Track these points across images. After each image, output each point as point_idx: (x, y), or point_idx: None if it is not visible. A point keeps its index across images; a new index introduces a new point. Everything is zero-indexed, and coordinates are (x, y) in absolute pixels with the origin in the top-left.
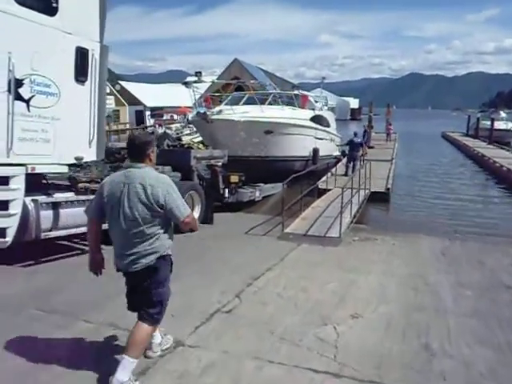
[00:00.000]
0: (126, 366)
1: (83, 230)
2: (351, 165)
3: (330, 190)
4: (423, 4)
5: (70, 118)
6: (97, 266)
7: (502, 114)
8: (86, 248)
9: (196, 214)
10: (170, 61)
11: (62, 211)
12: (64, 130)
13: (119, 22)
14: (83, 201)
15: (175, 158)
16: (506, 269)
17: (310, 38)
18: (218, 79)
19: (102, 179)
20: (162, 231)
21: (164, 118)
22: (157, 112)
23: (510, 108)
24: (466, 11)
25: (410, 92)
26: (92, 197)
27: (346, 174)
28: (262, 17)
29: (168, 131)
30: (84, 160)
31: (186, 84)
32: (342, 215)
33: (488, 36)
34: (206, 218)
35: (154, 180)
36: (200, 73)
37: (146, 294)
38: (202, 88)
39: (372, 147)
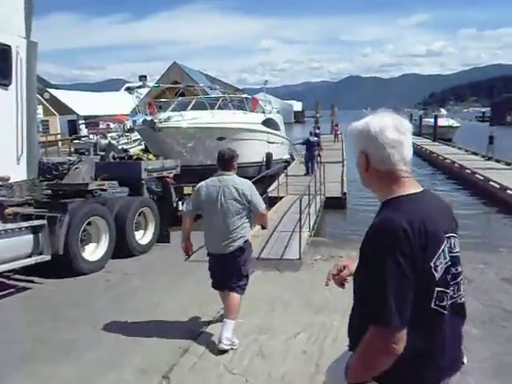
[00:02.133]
0: (229, 327)
1: (13, 265)
2: (310, 164)
3: (282, 197)
4: (358, 9)
5: None
6: (188, 251)
7: (443, 111)
8: (22, 284)
9: (150, 232)
10: (110, 69)
11: None
12: None
13: (55, 29)
14: (12, 230)
15: (123, 171)
16: (498, 287)
17: (251, 44)
18: (154, 87)
19: (37, 201)
20: (246, 221)
21: (100, 127)
22: (91, 121)
23: (443, 107)
24: (397, 16)
25: (349, 94)
26: (24, 224)
27: (307, 174)
28: (203, 24)
29: (112, 141)
30: (12, 180)
31: (129, 89)
32: (301, 230)
33: (419, 39)
34: (162, 236)
35: (241, 182)
36: (145, 77)
37: (237, 269)
38: (143, 94)
39: (321, 149)
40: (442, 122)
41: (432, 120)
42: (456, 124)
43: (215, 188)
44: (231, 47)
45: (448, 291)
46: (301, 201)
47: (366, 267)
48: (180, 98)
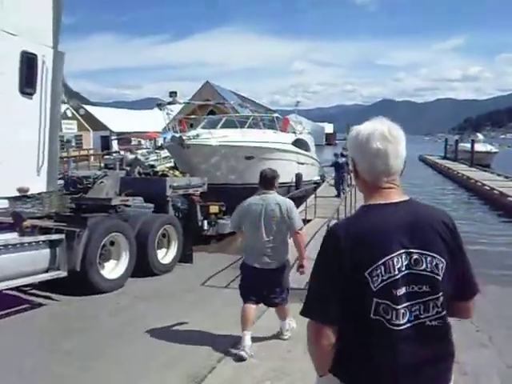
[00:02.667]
0: (286, 323)
1: (29, 280)
2: (340, 186)
3: (309, 220)
4: (394, 33)
5: (13, 139)
6: None
7: (480, 136)
8: (38, 300)
9: (173, 251)
10: (146, 88)
11: None
12: (3, 154)
13: (94, 50)
14: (29, 243)
15: (148, 187)
16: None
17: (285, 66)
18: (187, 105)
19: (58, 214)
20: (286, 239)
21: (132, 143)
22: (123, 137)
23: (479, 132)
24: (432, 40)
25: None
26: (41, 237)
27: (338, 195)
28: (237, 45)
29: (139, 157)
30: (31, 192)
31: (160, 106)
32: None
33: (455, 63)
34: (185, 256)
35: (283, 201)
36: (175, 93)
37: (279, 284)
38: (174, 111)
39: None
40: (479, 147)
41: (468, 145)
42: (494, 150)
43: (258, 206)
44: (264, 69)
45: (396, 306)
46: (328, 226)
47: None
48: (210, 116)
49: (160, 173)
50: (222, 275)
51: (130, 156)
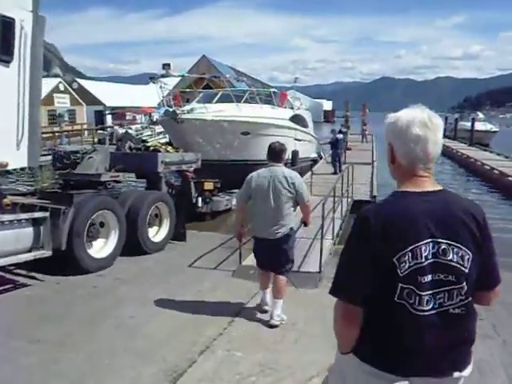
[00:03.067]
0: (279, 305)
1: (11, 260)
2: (337, 162)
3: None
4: (394, 10)
5: None
6: (241, 236)
7: (480, 115)
8: (22, 280)
9: (165, 229)
10: (144, 63)
11: None
12: None
13: (90, 24)
14: (10, 222)
15: (139, 163)
16: None
17: (283, 42)
18: (183, 79)
19: (43, 190)
20: (292, 210)
21: (126, 118)
22: (117, 112)
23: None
24: (434, 17)
25: (381, 96)
26: (23, 215)
27: (335, 173)
28: (235, 21)
29: (131, 131)
30: (10, 167)
31: (153, 79)
32: (322, 239)
33: (456, 41)
34: (178, 234)
35: (290, 173)
36: (168, 65)
37: (284, 253)
38: (171, 85)
39: (349, 149)
40: (478, 126)
41: (469, 124)
42: (494, 129)
43: (266, 178)
44: (263, 45)
45: (420, 293)
46: (323, 205)
47: None
48: (206, 91)
49: (152, 148)
50: (212, 256)
51: (121, 130)
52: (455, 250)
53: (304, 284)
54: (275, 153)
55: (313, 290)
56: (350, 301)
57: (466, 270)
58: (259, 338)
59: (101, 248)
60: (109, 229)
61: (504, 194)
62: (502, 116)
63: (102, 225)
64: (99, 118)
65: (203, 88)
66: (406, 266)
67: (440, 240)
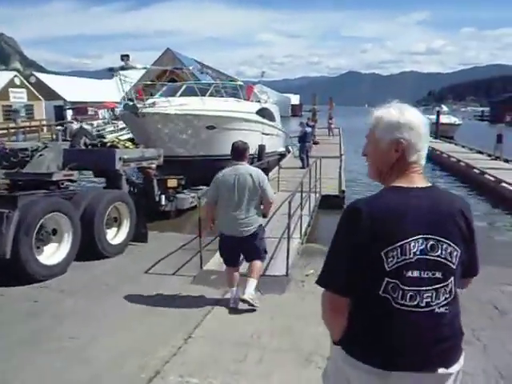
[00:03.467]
0: (252, 284)
1: None
2: (305, 156)
3: None
4: (359, 5)
5: None
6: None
7: (444, 108)
8: None
9: (124, 230)
10: (107, 58)
11: None
12: None
13: (53, 16)
14: None
15: (95, 160)
16: None
17: (251, 37)
18: (147, 72)
19: None
20: (259, 207)
21: (88, 113)
22: (78, 107)
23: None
24: (397, 13)
25: (348, 90)
26: None
27: (303, 167)
28: (201, 15)
29: (86, 126)
30: None
31: (112, 71)
32: (289, 238)
33: (419, 37)
34: (139, 235)
35: (254, 171)
36: (127, 56)
37: (255, 247)
38: (135, 79)
39: (317, 143)
40: (443, 119)
41: (433, 117)
42: (458, 122)
43: (231, 176)
44: (230, 39)
45: (404, 287)
46: (290, 203)
47: None
48: (170, 84)
49: (109, 144)
50: (172, 259)
51: (75, 126)
52: (444, 246)
53: (270, 289)
54: (239, 151)
55: (280, 295)
56: (337, 291)
57: (453, 267)
58: (218, 359)
59: (52, 254)
60: (61, 233)
61: (471, 185)
62: (463, 109)
63: (53, 229)
64: (59, 113)
65: (169, 82)
66: (394, 261)
67: (429, 236)
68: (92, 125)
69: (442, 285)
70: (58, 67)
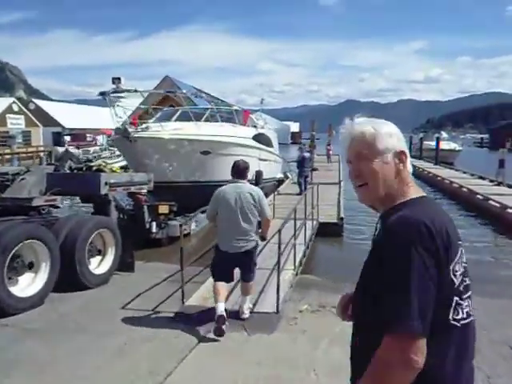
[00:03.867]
0: (247, 300)
1: None
2: (303, 181)
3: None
4: (358, 35)
5: None
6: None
7: (444, 135)
8: None
9: (109, 259)
10: (109, 86)
11: None
12: None
13: (57, 45)
14: None
15: (80, 185)
16: None
17: (251, 66)
18: (147, 98)
19: None
20: (255, 229)
21: (86, 139)
22: (77, 133)
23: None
24: (395, 42)
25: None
26: None
27: (300, 193)
28: (204, 44)
29: (73, 151)
30: None
31: (104, 94)
32: (279, 272)
33: (417, 66)
34: (125, 264)
35: (254, 189)
36: (119, 79)
37: (248, 265)
38: (133, 106)
39: (316, 169)
40: (443, 145)
41: (433, 143)
42: (458, 148)
43: (232, 193)
44: (231, 69)
45: (462, 303)
46: (280, 231)
47: (385, 263)
48: (165, 109)
49: (95, 168)
50: (154, 293)
51: (61, 149)
52: (463, 250)
53: (258, 328)
54: (240, 170)
55: (269, 335)
56: (425, 333)
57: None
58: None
59: (28, 285)
60: (38, 262)
61: (474, 211)
62: (462, 136)
63: (29, 259)
64: (57, 139)
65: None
66: (458, 275)
67: (460, 242)
68: (89, 151)
69: (470, 291)
70: (61, 95)
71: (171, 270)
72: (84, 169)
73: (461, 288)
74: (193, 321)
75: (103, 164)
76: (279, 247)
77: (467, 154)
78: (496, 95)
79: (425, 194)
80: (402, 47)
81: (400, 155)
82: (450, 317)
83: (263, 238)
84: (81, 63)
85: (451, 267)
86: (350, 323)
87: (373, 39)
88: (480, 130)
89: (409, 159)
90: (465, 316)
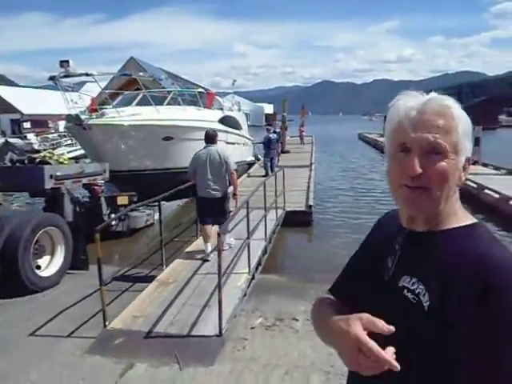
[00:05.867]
0: (209, 246)
1: None
2: (269, 164)
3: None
4: (331, 16)
5: None
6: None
7: None
8: None
9: (59, 259)
10: (82, 71)
11: None
12: None
13: (25, 29)
14: None
15: (22, 179)
16: None
17: (225, 48)
18: (111, 81)
19: None
20: (225, 177)
21: (49, 126)
22: (38, 119)
23: None
24: (368, 23)
25: (322, 99)
26: None
27: (266, 175)
28: (176, 27)
29: (14, 140)
30: None
31: (53, 79)
32: (220, 285)
33: (390, 46)
34: (78, 262)
35: (221, 150)
36: (67, 62)
37: (222, 209)
38: (96, 92)
39: (287, 151)
40: None
41: None
42: None
43: (204, 154)
44: (205, 51)
45: None
46: (219, 235)
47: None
48: (126, 93)
49: (38, 159)
50: (77, 310)
51: (0, 140)
52: None
53: (194, 358)
54: (209, 136)
55: (206, 368)
56: None
57: None
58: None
59: None
60: None
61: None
62: None
63: None
64: (16, 127)
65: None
66: None
67: None
68: (48, 138)
69: None
70: (29, 81)
71: (107, 276)
72: (26, 161)
73: None
74: (114, 350)
75: (48, 155)
76: (219, 253)
77: None
78: (467, 74)
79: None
80: (374, 27)
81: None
82: None
83: (234, 194)
84: (51, 47)
85: None
86: (316, 344)
87: (346, 20)
88: None
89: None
90: None
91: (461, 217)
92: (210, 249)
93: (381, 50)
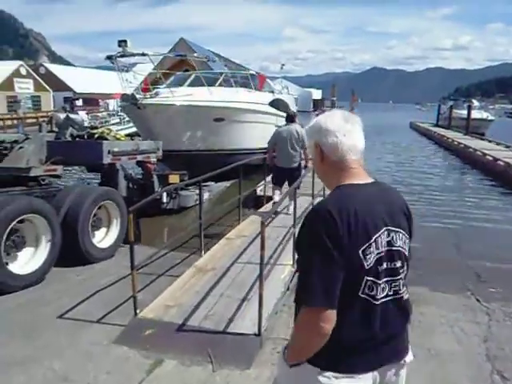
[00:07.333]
0: (277, 196)
1: None
2: None
3: (271, 199)
4: (384, 1)
5: None
6: (272, 160)
7: (475, 103)
8: None
9: (114, 232)
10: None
11: None
12: None
13: (81, 12)
14: None
15: (81, 154)
16: None
17: (274, 32)
18: (161, 62)
19: None
20: (300, 153)
21: (100, 104)
22: (89, 97)
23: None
24: (423, 8)
25: (372, 86)
26: None
27: None
28: (226, 10)
29: (74, 116)
30: None
31: (111, 58)
32: (262, 278)
33: (446, 33)
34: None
35: (300, 128)
36: (125, 41)
37: (295, 176)
38: (145, 71)
39: None
40: (474, 114)
41: (464, 112)
42: (490, 117)
43: (285, 132)
44: (254, 35)
45: (379, 282)
46: (263, 223)
47: (298, 253)
48: (178, 73)
49: (97, 135)
50: (111, 293)
51: (61, 115)
52: (400, 235)
53: (227, 360)
54: (290, 116)
55: (241, 372)
56: (328, 305)
57: (407, 254)
58: None
59: (28, 260)
60: (38, 236)
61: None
62: (491, 107)
63: (27, 231)
64: (69, 104)
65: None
66: (371, 258)
67: (391, 228)
68: (97, 117)
69: (402, 273)
70: (85, 62)
71: (145, 256)
72: (85, 136)
73: (377, 269)
74: (142, 342)
75: (106, 131)
76: (263, 238)
77: (498, 125)
78: None
79: (362, 181)
80: (430, 13)
81: (317, 146)
82: (360, 293)
83: (306, 166)
84: (105, 29)
85: (360, 251)
86: None
87: (401, 5)
88: (511, 100)
89: (330, 147)
90: (384, 295)
91: (332, 183)
92: (277, 198)
93: (436, 37)
